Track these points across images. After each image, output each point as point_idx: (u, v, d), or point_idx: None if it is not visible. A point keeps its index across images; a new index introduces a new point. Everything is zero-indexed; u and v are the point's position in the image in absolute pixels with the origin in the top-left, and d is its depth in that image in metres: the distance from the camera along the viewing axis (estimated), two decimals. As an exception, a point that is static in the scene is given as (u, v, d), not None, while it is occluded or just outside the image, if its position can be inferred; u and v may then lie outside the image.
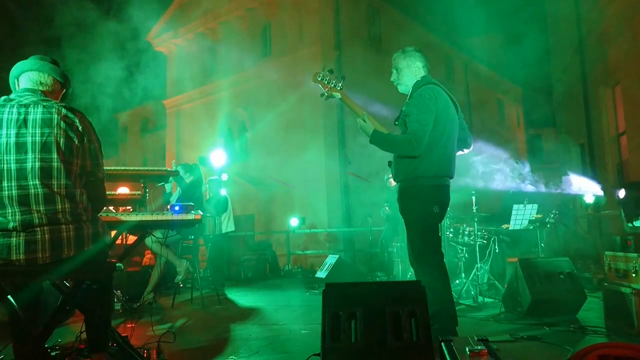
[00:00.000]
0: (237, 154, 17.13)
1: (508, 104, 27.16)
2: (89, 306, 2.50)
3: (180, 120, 20.38)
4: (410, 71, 3.50)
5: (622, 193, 3.89)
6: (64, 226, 2.30)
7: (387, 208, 7.55)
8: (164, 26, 20.62)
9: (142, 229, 3.18)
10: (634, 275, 3.58)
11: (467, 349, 1.81)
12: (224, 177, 10.48)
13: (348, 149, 15.18)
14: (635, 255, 3.59)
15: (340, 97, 3.58)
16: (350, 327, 2.36)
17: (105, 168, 2.62)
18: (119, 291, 5.58)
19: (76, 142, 2.39)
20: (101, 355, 2.53)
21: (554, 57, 15.35)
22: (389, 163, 3.55)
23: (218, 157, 10.78)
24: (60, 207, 2.30)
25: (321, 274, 7.65)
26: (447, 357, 1.87)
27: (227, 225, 8.33)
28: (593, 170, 11.91)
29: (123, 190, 7.21)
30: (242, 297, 6.95)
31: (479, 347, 1.82)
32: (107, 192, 4.38)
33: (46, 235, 2.25)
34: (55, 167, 2.32)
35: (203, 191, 7.28)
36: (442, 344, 2.00)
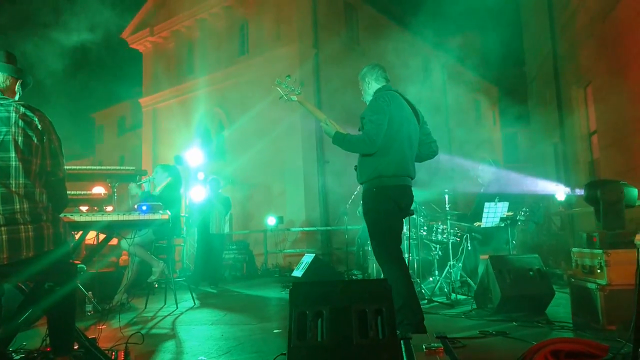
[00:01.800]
0: (215, 153, 17.00)
1: (484, 103, 27.50)
2: (51, 308, 2.45)
3: (157, 119, 20.14)
4: (368, 88, 3.80)
5: (583, 192, 3.98)
6: (22, 226, 2.25)
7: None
8: (140, 24, 20.34)
9: (110, 229, 3.14)
10: (599, 271, 3.65)
11: (423, 346, 1.82)
12: (200, 176, 10.40)
13: (325, 148, 15.20)
14: (600, 251, 3.66)
15: (297, 100, 3.85)
16: (317, 325, 2.36)
17: (66, 167, 2.57)
18: (90, 292, 5.50)
19: (35, 141, 2.34)
20: (65, 358, 2.48)
21: (528, 58, 15.61)
22: (355, 167, 3.72)
23: (194, 156, 10.69)
24: (18, 207, 2.25)
25: (297, 272, 7.63)
26: (404, 354, 1.89)
27: (227, 225, 8.45)
28: (566, 168, 12.14)
29: (99, 190, 7.10)
30: (217, 297, 6.91)
31: (436, 345, 1.84)
32: (81, 192, 4.33)
33: (3, 236, 2.20)
34: (13, 166, 2.27)
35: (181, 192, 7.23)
36: (401, 342, 2.01)
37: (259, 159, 15.53)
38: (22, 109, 2.35)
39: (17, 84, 2.59)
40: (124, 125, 29.83)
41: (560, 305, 4.66)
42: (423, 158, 3.77)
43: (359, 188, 3.74)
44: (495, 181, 6.29)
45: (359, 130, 3.67)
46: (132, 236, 4.28)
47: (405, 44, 18.95)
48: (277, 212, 13.42)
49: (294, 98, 3.83)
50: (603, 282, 3.58)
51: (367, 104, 3.79)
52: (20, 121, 2.32)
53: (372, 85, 3.76)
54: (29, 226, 2.27)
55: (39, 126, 2.37)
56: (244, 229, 15.13)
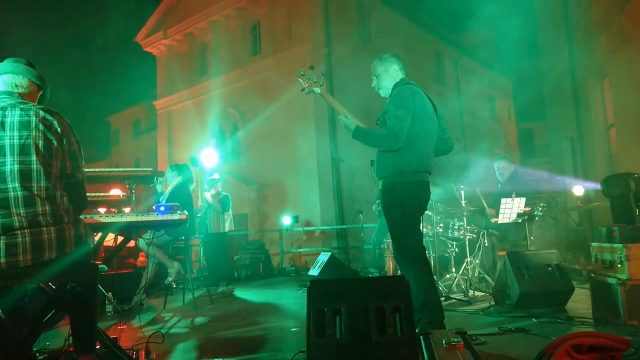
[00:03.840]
0: (229, 154, 17.11)
1: (499, 99, 27.24)
2: (73, 308, 2.49)
3: (172, 121, 20.32)
4: (388, 75, 3.64)
5: (599, 186, 3.95)
6: (44, 228, 2.29)
7: (379, 204, 7.55)
8: (153, 27, 20.53)
9: (128, 230, 3.17)
10: (619, 265, 3.61)
11: (443, 342, 1.82)
12: (216, 176, 10.47)
13: (340, 146, 15.20)
14: (620, 245, 3.61)
15: (320, 92, 3.71)
16: (335, 323, 2.37)
17: (85, 170, 2.61)
18: (110, 293, 5.57)
19: (55, 144, 2.38)
20: (88, 358, 2.52)
21: (543, 51, 15.41)
22: (372, 162, 3.63)
23: (209, 157, 10.76)
24: (40, 209, 2.30)
25: (314, 271, 7.64)
26: (424, 350, 1.89)
27: (228, 224, 8.40)
28: (583, 162, 11.98)
29: (115, 191, 7.19)
30: (235, 297, 6.95)
31: (456, 340, 1.83)
32: (99, 194, 4.40)
33: (27, 238, 2.24)
34: (35, 169, 2.32)
35: (193, 191, 7.21)
36: (421, 337, 2.01)
37: (273, 159, 15.59)
38: (41, 113, 2.39)
39: (38, 95, 2.65)
40: (139, 127, 30.15)
41: (580, 301, 4.61)
42: (438, 153, 3.68)
43: (374, 186, 3.70)
44: (513, 178, 6.24)
45: (377, 123, 3.56)
46: (151, 237, 4.32)
47: (419, 41, 18.89)
48: (293, 212, 13.44)
49: (317, 90, 3.69)
50: (624, 276, 3.54)
51: (381, 92, 3.70)
52: (40, 125, 2.36)
53: (391, 74, 3.62)
54: (51, 228, 2.31)
55: (59, 129, 2.41)
56: (259, 229, 15.21)
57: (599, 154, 11.21)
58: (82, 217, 2.67)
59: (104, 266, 2.65)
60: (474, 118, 21.97)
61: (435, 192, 3.62)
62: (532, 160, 22.59)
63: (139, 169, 4.01)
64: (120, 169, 3.80)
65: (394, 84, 3.60)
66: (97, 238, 3.10)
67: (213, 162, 10.67)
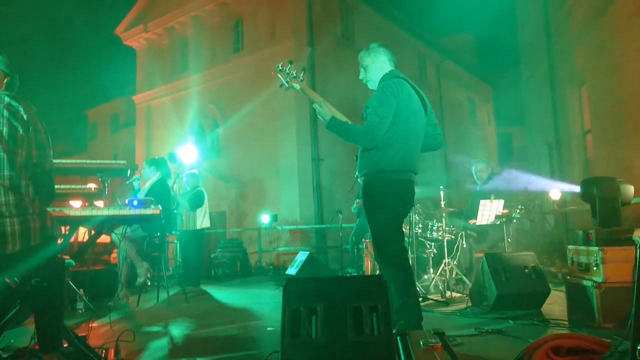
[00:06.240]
0: (209, 151, 16.93)
1: (479, 103, 27.53)
2: (38, 305, 2.39)
3: (151, 116, 20.01)
4: (375, 67, 3.49)
5: (579, 189, 3.97)
6: (7, 219, 2.18)
7: (358, 203, 7.53)
8: (134, 20, 20.20)
9: (100, 225, 3.07)
10: (595, 268, 3.62)
11: (421, 343, 1.78)
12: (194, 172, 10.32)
13: (320, 146, 15.16)
14: (596, 248, 3.63)
15: (299, 87, 3.54)
16: (311, 322, 2.32)
17: (56, 161, 2.51)
18: (81, 290, 5.42)
19: (21, 132, 2.28)
20: (52, 356, 2.43)
21: (523, 57, 15.62)
22: (356, 157, 3.51)
23: (188, 153, 10.61)
24: (3, 199, 2.19)
25: (292, 270, 7.59)
26: (401, 351, 1.85)
27: (203, 221, 8.11)
28: (560, 167, 12.16)
29: (89, 185, 6.99)
30: (211, 295, 6.85)
31: (433, 341, 1.79)
32: (70, 186, 4.26)
33: (-12, 230, 2.14)
34: None
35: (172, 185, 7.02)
36: (398, 337, 1.97)
37: (253, 157, 15.48)
38: (6, 99, 2.29)
39: (5, 80, 2.53)
40: (118, 122, 29.63)
41: (555, 303, 4.63)
42: (426, 149, 3.52)
43: (354, 185, 3.61)
44: (491, 180, 6.29)
45: (362, 119, 3.39)
46: (123, 232, 4.20)
47: (401, 43, 18.97)
48: (272, 210, 13.36)
49: (297, 86, 3.50)
50: (599, 279, 3.55)
51: (369, 85, 3.55)
52: (4, 111, 2.26)
53: (379, 65, 3.47)
54: (15, 219, 2.21)
55: (25, 116, 2.31)
56: (238, 227, 15.07)
57: (576, 159, 11.38)
58: (50, 209, 2.57)
59: (71, 261, 2.54)
60: (455, 121, 22.17)
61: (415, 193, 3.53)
62: (510, 164, 22.88)
63: (112, 162, 3.88)
64: (94, 161, 3.67)
65: (382, 77, 3.45)
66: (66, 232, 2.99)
67: (192, 158, 10.52)
